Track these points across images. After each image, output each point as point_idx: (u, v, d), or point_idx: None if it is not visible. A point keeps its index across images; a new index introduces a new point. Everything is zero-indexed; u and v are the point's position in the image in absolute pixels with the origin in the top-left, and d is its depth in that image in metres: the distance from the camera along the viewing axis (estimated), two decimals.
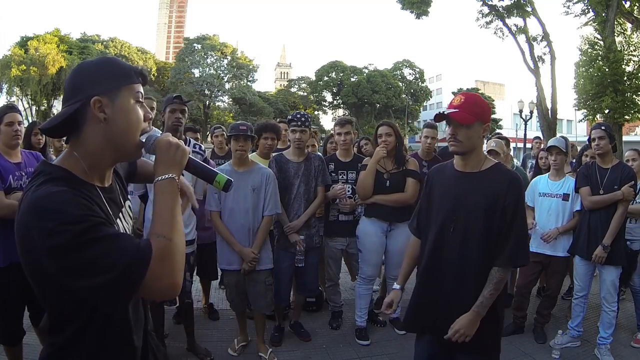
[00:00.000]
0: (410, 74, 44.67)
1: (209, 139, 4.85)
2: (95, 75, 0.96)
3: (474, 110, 1.71)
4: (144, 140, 1.03)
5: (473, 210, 1.74)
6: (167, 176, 0.98)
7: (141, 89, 1.02)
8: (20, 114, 2.53)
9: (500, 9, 17.64)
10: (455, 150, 1.76)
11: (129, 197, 1.20)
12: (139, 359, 1.05)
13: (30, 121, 4.53)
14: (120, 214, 1.07)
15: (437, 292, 1.82)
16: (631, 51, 15.23)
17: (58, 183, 0.89)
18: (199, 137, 4.08)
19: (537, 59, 17.11)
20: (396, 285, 2.01)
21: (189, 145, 2.84)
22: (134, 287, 0.84)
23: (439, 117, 1.75)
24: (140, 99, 1.01)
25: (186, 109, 2.83)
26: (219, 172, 1.10)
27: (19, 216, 0.89)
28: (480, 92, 38.18)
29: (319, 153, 3.86)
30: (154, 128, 3.84)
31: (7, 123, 2.36)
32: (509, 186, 1.72)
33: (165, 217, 0.93)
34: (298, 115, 3.19)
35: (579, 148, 4.80)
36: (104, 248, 0.82)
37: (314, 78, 45.09)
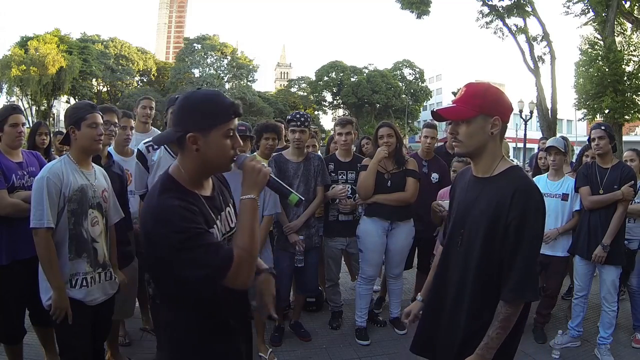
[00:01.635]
0: (410, 74, 44.62)
1: None
2: (195, 114, 1.22)
3: (472, 102, 1.43)
4: (235, 159, 1.28)
5: (475, 224, 1.47)
6: (249, 196, 1.23)
7: (233, 125, 1.26)
8: (24, 116, 2.55)
9: (500, 9, 17.65)
10: (457, 151, 1.52)
11: (229, 203, 1.45)
12: (238, 338, 1.36)
13: (32, 122, 4.53)
14: (220, 217, 1.33)
15: (438, 316, 1.58)
16: (631, 51, 15.24)
17: (170, 194, 1.19)
18: None
19: (537, 59, 17.13)
20: (419, 297, 1.83)
21: None
22: (220, 280, 1.15)
23: (434, 114, 1.54)
24: (231, 134, 1.25)
25: None
26: (292, 192, 1.34)
27: (143, 222, 1.25)
28: None
29: (318, 153, 3.86)
30: (153, 128, 3.86)
31: (12, 124, 2.38)
32: (513, 196, 1.37)
33: (245, 231, 1.20)
34: (297, 116, 3.19)
35: (576, 148, 4.81)
36: (201, 252, 1.13)
37: (314, 78, 45.04)
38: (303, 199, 1.28)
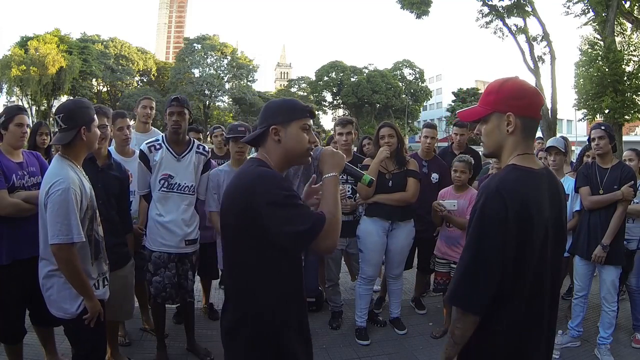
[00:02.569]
0: (410, 74, 44.63)
1: (208, 139, 4.85)
2: (277, 111, 1.45)
3: (486, 99, 1.38)
4: (312, 152, 1.48)
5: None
6: (331, 174, 1.42)
7: (309, 122, 1.46)
8: (28, 117, 2.55)
9: (500, 9, 17.65)
10: (483, 152, 1.51)
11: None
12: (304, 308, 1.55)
13: (32, 122, 4.54)
14: None
15: None
16: (631, 51, 15.24)
17: (267, 168, 1.38)
18: (200, 137, 4.07)
19: (537, 59, 17.12)
20: None
21: (193, 146, 2.83)
22: (313, 239, 1.29)
23: (459, 117, 1.53)
24: (307, 129, 1.45)
25: (185, 110, 2.76)
26: (364, 173, 1.60)
27: (243, 184, 1.36)
28: (480, 91, 38.16)
29: None
30: (153, 128, 3.86)
31: (17, 124, 2.38)
32: (479, 196, 1.32)
33: (332, 200, 1.38)
34: None
35: (576, 148, 4.81)
36: (300, 210, 1.30)
37: (314, 78, 45.06)
38: (374, 179, 1.49)
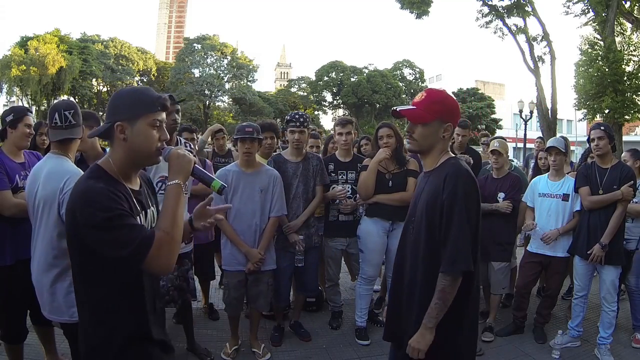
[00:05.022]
0: (410, 74, 44.60)
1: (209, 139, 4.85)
2: (122, 104, 1.28)
3: (432, 107, 1.62)
4: (162, 151, 1.32)
5: (420, 212, 1.66)
6: (174, 182, 1.27)
7: (160, 117, 1.30)
8: (33, 119, 2.58)
9: (500, 8, 17.62)
10: (410, 148, 1.72)
11: (155, 205, 1.45)
12: (150, 321, 1.32)
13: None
14: (143, 213, 1.32)
15: (398, 299, 1.75)
16: (631, 51, 15.23)
17: (97, 180, 1.22)
18: (194, 137, 4.06)
19: (537, 59, 17.10)
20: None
21: (180, 145, 2.83)
22: (139, 262, 1.17)
23: (394, 113, 1.69)
24: (158, 125, 1.29)
25: (179, 107, 2.78)
26: (215, 179, 1.38)
27: (70, 201, 1.23)
28: (480, 92, 38.16)
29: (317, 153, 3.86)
30: None
31: (26, 124, 2.41)
32: (445, 180, 1.57)
33: (168, 214, 1.23)
34: (297, 116, 3.19)
35: (576, 148, 4.82)
36: (123, 232, 1.15)
37: (314, 78, 44.98)
38: (226, 185, 1.34)
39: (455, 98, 1.70)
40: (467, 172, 1.61)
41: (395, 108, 1.68)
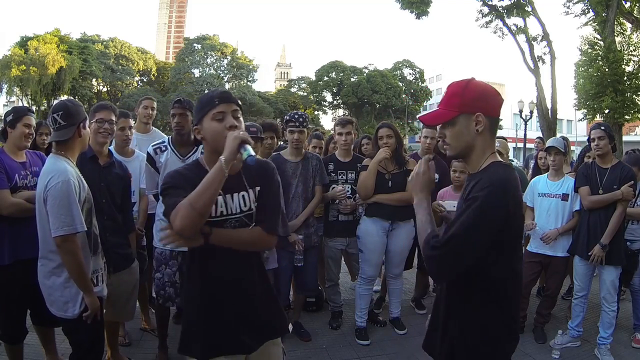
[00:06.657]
0: (410, 74, 44.62)
1: None
2: (195, 112, 1.59)
3: (451, 102, 1.39)
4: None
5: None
6: (221, 158, 1.40)
7: (219, 109, 1.49)
8: (35, 120, 2.57)
9: (500, 8, 17.61)
10: (448, 154, 1.48)
11: (247, 191, 1.62)
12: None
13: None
14: (231, 195, 1.56)
15: (435, 318, 1.61)
16: (631, 51, 15.24)
17: (186, 166, 1.63)
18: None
19: (537, 59, 17.09)
20: None
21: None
22: (169, 222, 1.42)
23: (423, 120, 1.53)
24: (218, 117, 1.49)
25: (187, 112, 2.78)
26: (248, 149, 1.46)
27: None
28: None
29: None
30: (153, 129, 3.86)
31: (25, 124, 2.40)
32: (473, 188, 1.34)
33: (199, 187, 1.37)
34: (296, 116, 3.20)
35: (576, 148, 4.82)
36: (167, 198, 1.46)
37: (314, 78, 45.03)
38: (254, 155, 1.42)
39: (485, 84, 1.41)
40: (501, 187, 1.30)
41: (419, 116, 1.60)
